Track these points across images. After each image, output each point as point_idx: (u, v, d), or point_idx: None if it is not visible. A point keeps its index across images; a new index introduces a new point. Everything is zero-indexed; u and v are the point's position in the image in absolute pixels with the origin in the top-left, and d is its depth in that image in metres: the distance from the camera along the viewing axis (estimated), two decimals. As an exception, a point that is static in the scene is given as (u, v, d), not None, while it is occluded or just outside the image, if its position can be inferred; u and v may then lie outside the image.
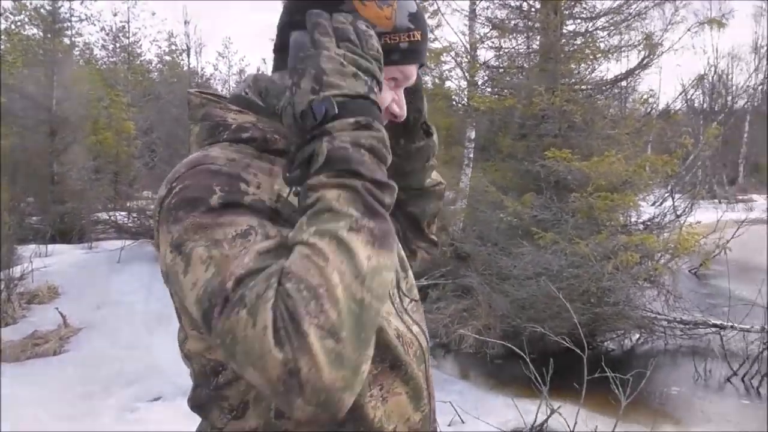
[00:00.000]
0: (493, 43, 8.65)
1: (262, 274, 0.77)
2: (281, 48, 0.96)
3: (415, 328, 1.05)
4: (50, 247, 9.92)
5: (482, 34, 8.93)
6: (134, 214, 11.58)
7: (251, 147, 0.93)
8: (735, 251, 8.06)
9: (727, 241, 8.14)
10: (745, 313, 6.63)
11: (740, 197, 21.25)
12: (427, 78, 9.33)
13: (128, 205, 12.53)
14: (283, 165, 0.88)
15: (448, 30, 16.69)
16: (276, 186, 0.88)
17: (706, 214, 9.88)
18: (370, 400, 0.94)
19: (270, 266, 0.77)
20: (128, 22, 20.68)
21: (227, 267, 0.78)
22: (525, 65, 8.30)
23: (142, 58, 22.53)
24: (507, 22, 8.16)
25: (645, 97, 7.75)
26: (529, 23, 8.05)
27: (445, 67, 10.07)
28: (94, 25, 22.01)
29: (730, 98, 26.02)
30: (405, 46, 0.96)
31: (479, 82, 9.00)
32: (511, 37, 8.28)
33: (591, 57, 7.53)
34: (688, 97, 10.22)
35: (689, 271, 9.40)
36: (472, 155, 9.92)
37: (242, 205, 0.83)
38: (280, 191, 0.88)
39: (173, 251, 0.83)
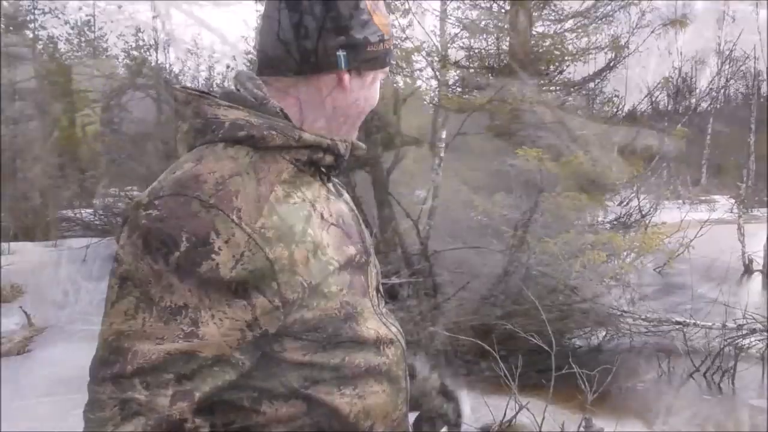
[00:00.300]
0: (463, 43, 8.71)
1: (151, 403, 0.79)
2: (286, 55, 0.94)
3: (393, 329, 1.06)
4: (13, 244, 9.69)
5: (453, 34, 8.97)
6: (100, 212, 11.39)
7: (247, 147, 0.91)
8: (698, 250, 8.24)
9: (691, 241, 8.33)
10: (707, 310, 6.79)
11: (703, 198, 21.67)
12: (398, 77, 9.34)
13: (94, 202, 12.30)
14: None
15: (419, 29, 16.69)
16: (261, 219, 0.86)
17: (670, 213, 10.06)
18: (342, 396, 0.94)
19: (170, 373, 0.80)
20: (94, 16, 20.30)
21: (138, 341, 0.80)
22: (495, 65, 8.38)
23: (109, 53, 22.12)
24: (477, 22, 8.23)
25: (610, 97, 7.91)
26: (499, 24, 8.13)
27: (416, 66, 10.09)
28: (58, 18, 21.53)
29: (693, 101, 26.52)
30: (392, 48, 1.01)
31: (450, 82, 9.04)
32: (481, 37, 8.35)
33: (560, 58, 7.64)
34: (654, 99, 10.42)
35: (654, 269, 9.58)
36: (443, 154, 9.94)
37: (195, 274, 0.81)
38: (266, 222, 0.86)
39: (117, 270, 0.85)
